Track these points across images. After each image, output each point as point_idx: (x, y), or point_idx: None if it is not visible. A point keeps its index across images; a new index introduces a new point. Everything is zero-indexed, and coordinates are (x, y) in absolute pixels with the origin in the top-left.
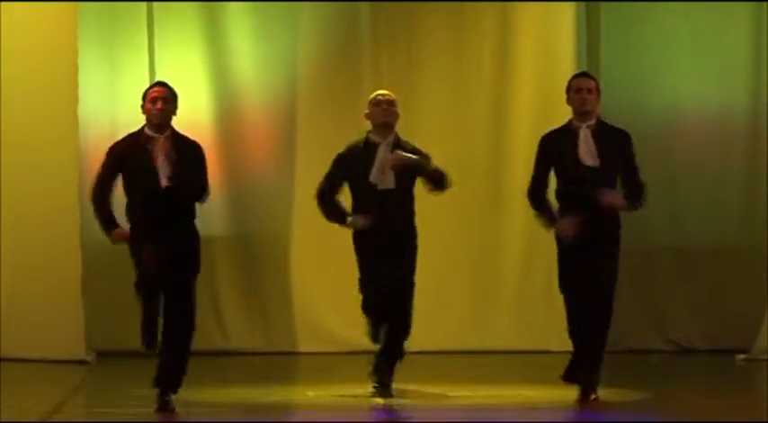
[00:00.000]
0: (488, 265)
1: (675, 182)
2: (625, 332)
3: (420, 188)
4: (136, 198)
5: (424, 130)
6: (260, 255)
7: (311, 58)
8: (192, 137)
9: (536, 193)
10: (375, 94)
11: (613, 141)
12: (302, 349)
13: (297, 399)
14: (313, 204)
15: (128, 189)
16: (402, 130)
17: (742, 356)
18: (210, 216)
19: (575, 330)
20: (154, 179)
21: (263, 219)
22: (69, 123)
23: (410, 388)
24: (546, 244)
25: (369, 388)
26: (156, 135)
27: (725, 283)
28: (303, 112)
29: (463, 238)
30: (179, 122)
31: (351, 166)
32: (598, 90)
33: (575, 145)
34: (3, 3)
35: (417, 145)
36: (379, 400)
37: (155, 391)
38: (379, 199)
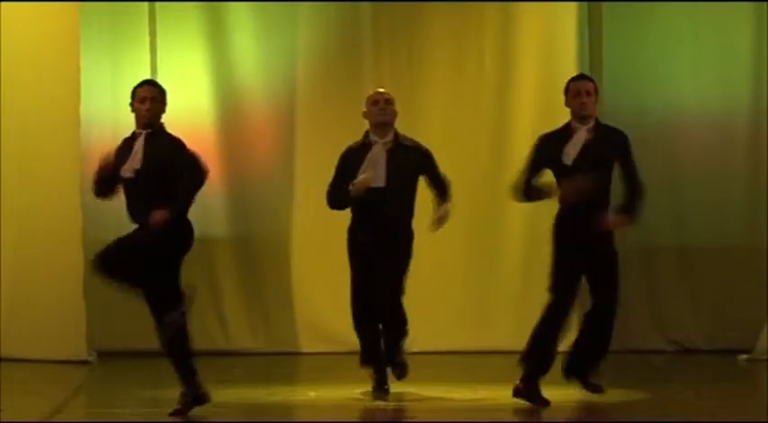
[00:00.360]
0: (488, 265)
1: (677, 181)
2: (627, 332)
3: (421, 188)
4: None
5: (425, 130)
6: (261, 255)
7: (313, 58)
8: (176, 134)
9: (521, 190)
10: (372, 92)
11: (610, 142)
12: (304, 349)
13: (298, 399)
14: (314, 204)
15: None
16: (403, 129)
17: (744, 357)
18: (212, 216)
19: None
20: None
21: (264, 219)
22: (72, 123)
23: (410, 388)
24: (546, 243)
25: (370, 388)
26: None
27: (727, 283)
28: (304, 111)
29: (463, 237)
30: (181, 121)
31: (349, 165)
32: (596, 91)
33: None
34: (5, 2)
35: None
36: (379, 402)
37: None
38: (371, 196)
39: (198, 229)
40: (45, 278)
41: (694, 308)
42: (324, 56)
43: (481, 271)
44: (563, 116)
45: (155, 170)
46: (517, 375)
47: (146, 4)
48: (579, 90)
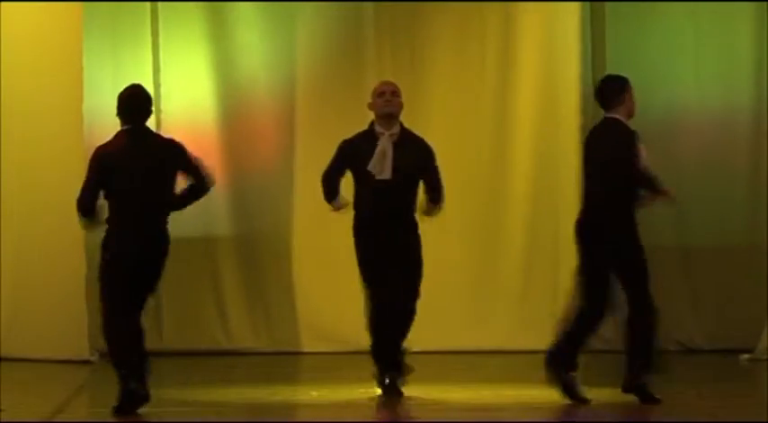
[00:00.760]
0: (491, 265)
1: (679, 181)
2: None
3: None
4: None
5: (427, 129)
6: (263, 254)
7: (315, 58)
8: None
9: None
10: (378, 83)
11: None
12: (306, 349)
13: (300, 399)
14: (316, 203)
15: None
16: (405, 125)
17: (746, 356)
18: (214, 215)
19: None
20: None
21: (266, 218)
22: (74, 123)
23: (412, 388)
24: (548, 243)
25: (373, 388)
26: None
27: (729, 282)
28: (306, 110)
29: (465, 237)
30: (183, 120)
31: (352, 153)
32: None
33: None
34: (7, 2)
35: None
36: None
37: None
38: (377, 189)
39: (200, 228)
40: (47, 278)
41: (696, 307)
42: (326, 55)
43: (482, 270)
44: (566, 115)
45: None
46: (520, 375)
47: (148, 3)
48: None
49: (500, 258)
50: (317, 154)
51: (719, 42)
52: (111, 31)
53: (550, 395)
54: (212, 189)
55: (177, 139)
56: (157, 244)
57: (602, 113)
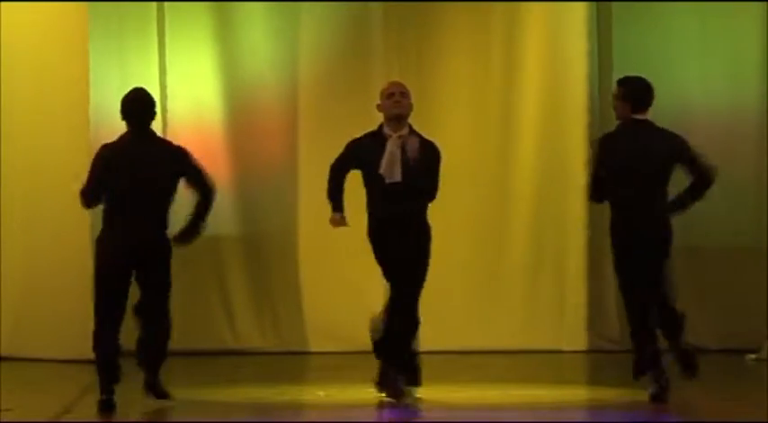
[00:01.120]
0: (497, 265)
1: (685, 181)
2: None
3: None
4: None
5: (434, 130)
6: (270, 254)
7: (321, 58)
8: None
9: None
10: (387, 84)
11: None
12: (313, 349)
13: (307, 398)
14: (322, 203)
15: None
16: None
17: (752, 356)
18: (220, 215)
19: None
20: None
21: (273, 218)
22: (80, 123)
23: (418, 388)
24: (555, 242)
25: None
26: None
27: (735, 282)
28: (313, 110)
29: (472, 236)
30: (189, 120)
31: (360, 153)
32: (622, 95)
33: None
34: (14, 3)
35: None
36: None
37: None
38: (387, 191)
39: (207, 228)
40: (54, 278)
41: (702, 307)
42: (332, 55)
43: (488, 270)
44: (572, 116)
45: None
46: (527, 375)
47: (154, 3)
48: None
49: (506, 258)
50: (324, 154)
51: (726, 42)
52: (117, 30)
53: (561, 395)
54: (216, 195)
55: (183, 145)
56: (149, 248)
57: (608, 114)
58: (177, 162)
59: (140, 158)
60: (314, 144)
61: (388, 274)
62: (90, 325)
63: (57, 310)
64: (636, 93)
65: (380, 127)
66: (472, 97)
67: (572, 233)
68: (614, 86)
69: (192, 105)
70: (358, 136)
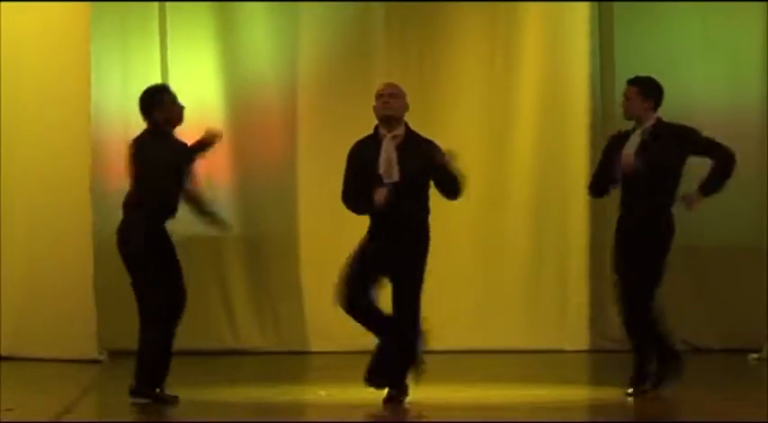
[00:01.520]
0: (499, 264)
1: (687, 181)
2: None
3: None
4: None
5: (436, 130)
6: (270, 254)
7: (323, 58)
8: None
9: (594, 188)
10: (380, 85)
11: (667, 142)
12: (313, 348)
13: (308, 398)
14: (323, 202)
15: None
16: (413, 126)
17: (755, 356)
18: (221, 215)
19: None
20: None
21: (274, 218)
22: (82, 122)
23: (420, 388)
24: (557, 242)
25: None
26: None
27: (737, 282)
28: (314, 110)
29: (473, 236)
30: (190, 120)
31: (358, 158)
32: (642, 94)
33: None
34: (16, 2)
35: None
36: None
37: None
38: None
39: (207, 228)
40: (55, 277)
41: (705, 307)
42: (334, 56)
43: (490, 270)
44: (574, 115)
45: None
46: (529, 375)
47: (156, 3)
48: (623, 94)
49: (508, 258)
50: (325, 154)
51: (728, 42)
52: (119, 30)
53: (563, 395)
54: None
55: (186, 141)
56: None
57: (609, 114)
58: (176, 156)
59: (145, 154)
60: (315, 144)
61: (359, 269)
62: (93, 325)
63: (58, 311)
64: (654, 91)
65: (376, 128)
66: (474, 97)
67: (574, 233)
68: (625, 87)
69: (193, 105)
70: (356, 141)
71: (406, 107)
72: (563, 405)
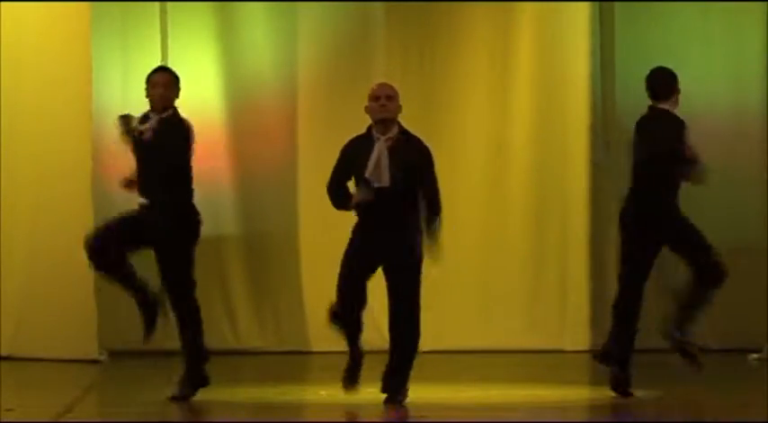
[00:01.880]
0: (499, 264)
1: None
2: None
3: None
4: None
5: (436, 129)
6: (271, 253)
7: (323, 58)
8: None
9: None
10: (374, 86)
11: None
12: (314, 348)
13: (309, 398)
14: (322, 201)
15: None
16: (414, 127)
17: (755, 356)
18: (221, 214)
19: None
20: None
21: (274, 217)
22: (83, 121)
23: (421, 388)
24: (557, 242)
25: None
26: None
27: (738, 282)
28: (314, 110)
29: (473, 236)
30: (191, 119)
31: (351, 158)
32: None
33: None
34: (17, 2)
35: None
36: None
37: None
38: (376, 196)
39: (207, 227)
40: (56, 277)
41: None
42: (335, 56)
43: (490, 270)
44: (574, 114)
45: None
46: (529, 375)
47: (157, 3)
48: None
49: (508, 258)
50: (325, 153)
51: (729, 43)
52: (120, 30)
53: (563, 395)
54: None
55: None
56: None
57: (610, 113)
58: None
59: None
60: (316, 144)
61: (349, 272)
62: (93, 325)
63: (58, 311)
64: (653, 82)
65: (369, 129)
66: (474, 97)
67: (574, 233)
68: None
69: (194, 105)
70: (349, 140)
71: (399, 108)
72: (563, 405)
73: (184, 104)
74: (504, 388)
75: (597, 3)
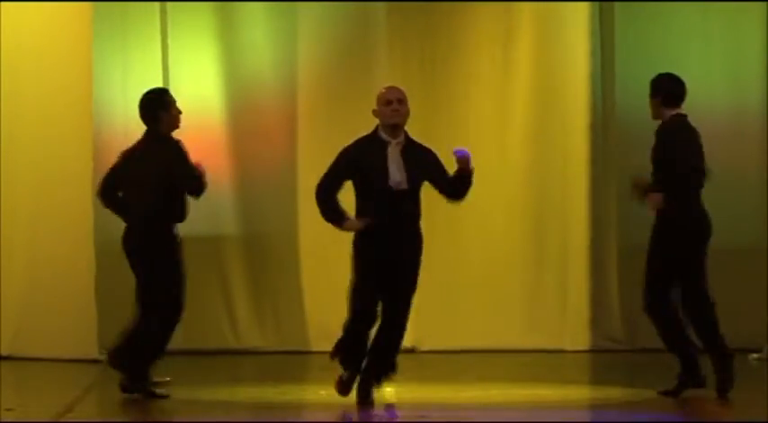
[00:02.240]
0: (499, 264)
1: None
2: (638, 331)
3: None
4: None
5: (437, 131)
6: (271, 253)
7: (324, 58)
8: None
9: None
10: (384, 90)
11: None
12: (314, 348)
13: (308, 398)
14: None
15: None
16: (415, 129)
17: (755, 356)
18: (221, 215)
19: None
20: None
21: (274, 217)
22: (84, 123)
23: (421, 387)
24: (557, 242)
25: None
26: None
27: (737, 282)
28: (314, 111)
29: (473, 235)
30: (191, 120)
31: (357, 162)
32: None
33: None
34: (18, 2)
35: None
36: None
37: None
38: (391, 199)
39: (207, 228)
40: (57, 278)
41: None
42: (335, 56)
43: (490, 270)
44: (573, 114)
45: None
46: (530, 375)
47: (157, 3)
48: None
49: (508, 257)
50: (325, 153)
51: (729, 42)
52: (120, 30)
53: (563, 395)
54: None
55: (183, 144)
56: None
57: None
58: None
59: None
60: (315, 144)
61: (366, 285)
62: (93, 325)
63: (58, 311)
64: (673, 88)
65: (376, 132)
66: (474, 97)
67: (574, 233)
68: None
69: (194, 105)
70: (349, 144)
71: (409, 112)
72: (563, 405)
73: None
74: (504, 388)
75: (597, 3)
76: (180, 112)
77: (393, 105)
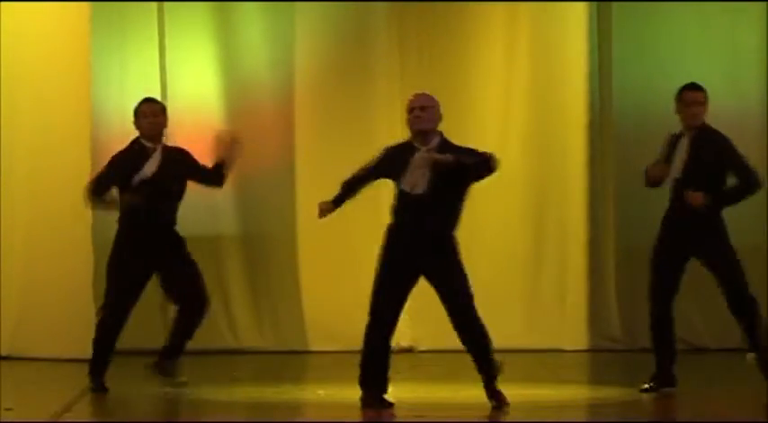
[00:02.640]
0: (498, 263)
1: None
2: (637, 331)
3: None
4: None
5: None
6: (269, 253)
7: (322, 58)
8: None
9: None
10: (410, 97)
11: (711, 147)
12: (312, 348)
13: (307, 398)
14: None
15: None
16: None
17: (753, 355)
18: (219, 214)
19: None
20: None
21: (272, 217)
22: (81, 123)
23: (420, 387)
24: (556, 241)
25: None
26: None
27: None
28: (313, 110)
29: (472, 235)
30: (188, 120)
31: (390, 162)
32: (707, 99)
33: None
34: (16, 2)
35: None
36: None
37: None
38: (410, 204)
39: (206, 227)
40: (55, 277)
41: (703, 306)
42: (333, 55)
43: (489, 269)
44: (572, 114)
45: None
46: (529, 375)
47: (154, 4)
48: (693, 100)
49: (507, 257)
50: (323, 153)
51: (727, 42)
52: (118, 30)
53: (562, 395)
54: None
55: (182, 144)
56: None
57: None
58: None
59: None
60: (313, 143)
61: (392, 285)
62: (91, 324)
63: (58, 311)
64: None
65: (410, 138)
66: (473, 97)
67: (573, 232)
68: (690, 92)
69: (191, 105)
70: (392, 145)
71: (438, 117)
72: (563, 405)
73: (182, 104)
74: (503, 388)
75: (595, 3)
76: (157, 117)
77: (415, 112)
